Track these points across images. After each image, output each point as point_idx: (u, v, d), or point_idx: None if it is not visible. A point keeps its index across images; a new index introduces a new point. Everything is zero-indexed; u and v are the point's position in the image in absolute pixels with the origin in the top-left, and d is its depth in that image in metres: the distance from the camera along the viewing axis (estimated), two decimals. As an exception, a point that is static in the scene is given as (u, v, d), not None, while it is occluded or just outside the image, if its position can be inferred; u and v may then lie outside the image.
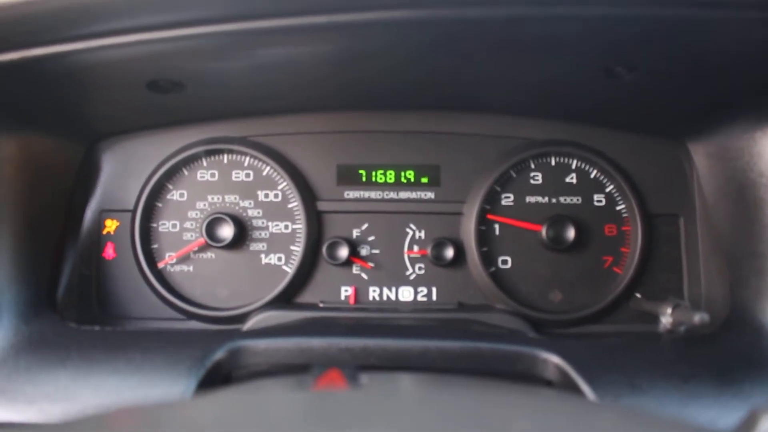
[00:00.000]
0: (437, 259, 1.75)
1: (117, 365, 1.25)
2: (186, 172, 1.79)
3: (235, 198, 1.79)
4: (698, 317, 1.39)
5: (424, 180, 1.80)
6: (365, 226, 1.80)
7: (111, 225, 1.78)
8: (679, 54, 1.32)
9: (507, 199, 1.78)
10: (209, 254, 1.78)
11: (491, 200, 1.77)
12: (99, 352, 1.29)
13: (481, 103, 1.77)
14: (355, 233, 1.79)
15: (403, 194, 1.80)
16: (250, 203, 1.79)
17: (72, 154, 1.71)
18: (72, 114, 1.60)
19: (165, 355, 1.27)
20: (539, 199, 1.78)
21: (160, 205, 1.78)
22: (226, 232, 1.74)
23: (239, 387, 0.91)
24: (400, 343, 1.31)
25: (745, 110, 1.50)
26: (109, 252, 1.77)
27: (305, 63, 1.44)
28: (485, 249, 1.76)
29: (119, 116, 1.71)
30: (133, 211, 1.76)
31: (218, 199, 1.78)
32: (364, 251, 1.79)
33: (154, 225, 1.78)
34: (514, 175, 1.79)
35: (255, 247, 1.78)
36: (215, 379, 1.23)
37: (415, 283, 1.78)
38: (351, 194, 1.80)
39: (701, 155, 1.72)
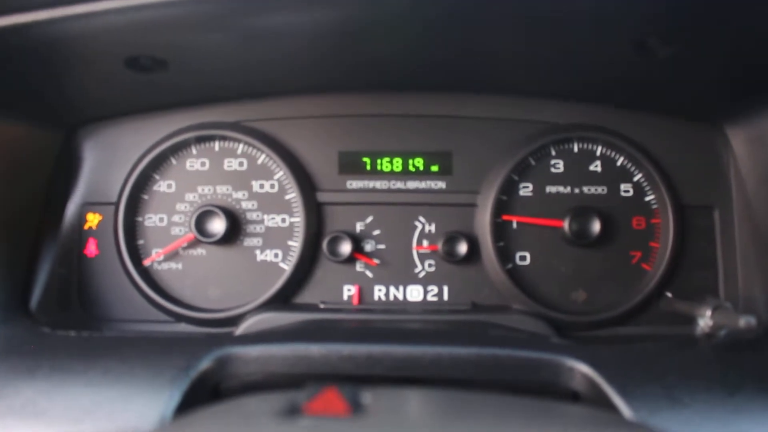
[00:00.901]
0: (449, 255, 1.69)
1: (92, 376, 1.16)
2: (174, 161, 1.74)
3: (228, 189, 1.74)
4: (744, 321, 1.33)
5: (435, 168, 1.74)
6: (370, 219, 1.74)
7: (93, 219, 1.72)
8: (719, 27, 1.23)
9: (525, 189, 1.73)
10: (199, 250, 1.73)
11: (508, 190, 1.72)
12: (73, 361, 1.20)
13: (496, 84, 1.72)
14: (359, 227, 1.74)
15: (412, 184, 1.75)
16: (243, 194, 1.73)
17: (49, 142, 1.67)
18: (46, 97, 1.55)
19: (145, 365, 1.18)
20: (561, 189, 1.72)
21: (146, 197, 1.73)
22: (218, 226, 1.68)
23: (220, 410, 0.81)
24: (409, 350, 1.22)
25: None
26: (91, 249, 1.72)
27: (303, 37, 1.37)
28: (501, 244, 1.71)
29: (99, 99, 1.66)
30: (117, 204, 1.71)
31: (209, 190, 1.74)
32: (368, 247, 1.74)
33: (140, 219, 1.73)
34: (533, 162, 1.73)
35: (249, 242, 1.73)
36: (201, 391, 1.14)
37: (424, 282, 1.73)
38: (354, 184, 1.75)
39: (740, 141, 1.65)
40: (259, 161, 1.73)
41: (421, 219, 1.73)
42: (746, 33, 1.25)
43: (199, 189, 1.73)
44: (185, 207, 1.72)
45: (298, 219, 1.71)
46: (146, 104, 1.71)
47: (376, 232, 1.73)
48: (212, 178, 1.73)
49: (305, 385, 0.90)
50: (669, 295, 1.69)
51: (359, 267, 1.73)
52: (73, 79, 1.50)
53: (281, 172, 1.71)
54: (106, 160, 1.73)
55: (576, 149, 1.73)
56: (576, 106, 1.74)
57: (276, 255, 1.72)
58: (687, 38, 1.29)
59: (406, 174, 1.74)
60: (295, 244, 1.70)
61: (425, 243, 1.72)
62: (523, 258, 1.71)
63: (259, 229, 1.72)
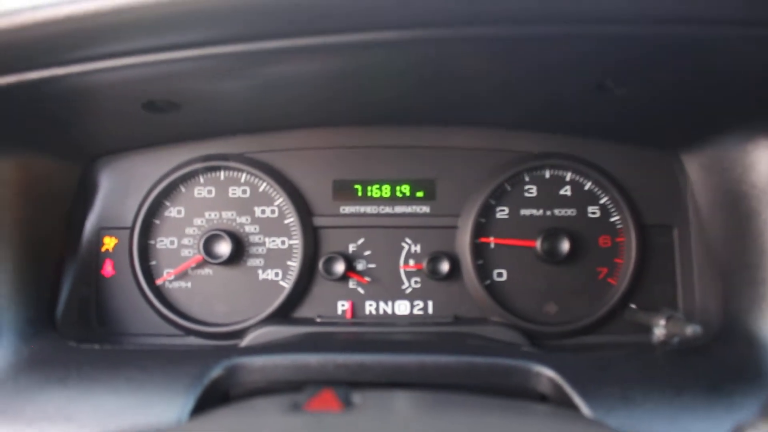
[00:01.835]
0: (433, 273, 1.77)
1: (116, 384, 1.27)
2: (183, 189, 1.81)
3: (232, 214, 1.81)
4: (690, 329, 1.42)
5: (420, 194, 1.82)
6: (361, 240, 1.82)
7: (109, 242, 1.80)
8: (668, 70, 1.33)
9: (502, 212, 1.80)
10: (207, 270, 1.80)
11: (486, 213, 1.79)
12: (98, 372, 1.30)
13: (476, 118, 1.79)
14: (351, 248, 1.81)
15: (399, 208, 1.82)
16: (247, 219, 1.81)
17: (70, 173, 1.74)
18: (70, 134, 1.62)
19: (163, 374, 1.28)
20: (534, 211, 1.80)
21: (157, 222, 1.80)
22: (224, 248, 1.76)
23: (232, 409, 0.93)
24: (396, 359, 1.32)
25: (736, 123, 1.52)
26: (108, 269, 1.79)
27: (301, 82, 1.46)
28: (480, 262, 1.79)
29: (116, 135, 1.73)
30: (132, 229, 1.78)
31: (215, 215, 1.80)
32: (360, 266, 1.81)
33: (152, 242, 1.80)
34: (508, 188, 1.80)
35: (252, 262, 1.80)
36: (213, 396, 1.24)
37: (411, 297, 1.80)
38: (347, 209, 1.82)
39: (695, 167, 1.73)
40: (261, 189, 1.80)
41: (408, 240, 1.81)
42: (686, 78, 1.36)
43: (206, 214, 1.80)
44: (194, 231, 1.79)
45: (296, 241, 1.78)
46: (158, 138, 1.78)
47: (367, 253, 1.81)
48: (218, 204, 1.80)
49: (304, 388, 1.02)
50: (633, 306, 1.76)
51: (352, 284, 1.80)
52: (96, 120, 1.58)
53: (281, 199, 1.78)
54: (122, 189, 1.80)
55: (548, 175, 1.81)
56: (547, 137, 1.81)
57: (276, 274, 1.79)
58: (637, 81, 1.38)
59: (393, 199, 1.81)
60: (294, 264, 1.77)
61: (411, 262, 1.80)
62: (500, 275, 1.79)
63: (261, 250, 1.79)
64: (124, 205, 1.80)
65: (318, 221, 1.81)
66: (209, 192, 1.81)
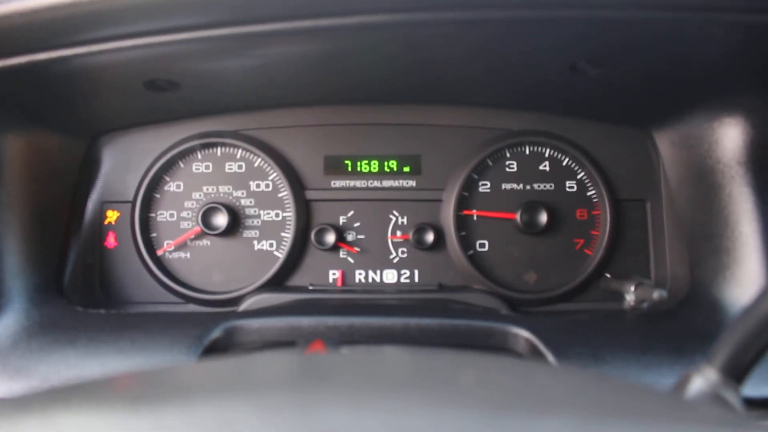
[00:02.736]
0: (419, 243, 1.82)
1: (122, 345, 1.34)
2: (182, 165, 1.86)
3: (229, 188, 1.86)
4: (657, 294, 1.50)
5: (406, 169, 1.88)
6: (351, 213, 1.87)
7: (112, 215, 1.84)
8: (638, 52, 1.38)
9: (484, 187, 1.86)
10: (205, 241, 1.85)
11: (469, 187, 1.85)
12: (105, 334, 1.37)
13: (459, 97, 1.84)
14: (342, 220, 1.87)
15: (387, 183, 1.88)
16: (242, 193, 1.86)
17: (75, 149, 1.77)
18: (75, 112, 1.66)
19: (166, 335, 1.35)
20: (514, 186, 1.86)
21: (158, 196, 1.85)
22: (221, 220, 1.81)
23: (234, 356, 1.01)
24: (383, 321, 1.40)
25: (703, 102, 1.58)
26: (111, 241, 1.84)
27: (294, 62, 1.51)
28: (464, 233, 1.84)
29: (119, 113, 1.76)
30: (133, 202, 1.83)
31: (213, 189, 1.85)
32: (350, 237, 1.87)
33: (153, 215, 1.85)
34: (490, 163, 1.86)
35: (248, 234, 1.85)
36: (213, 356, 1.31)
37: (398, 266, 1.86)
38: (337, 183, 1.88)
39: (665, 143, 1.79)
40: (256, 164, 1.85)
41: (395, 212, 1.86)
42: (656, 60, 1.41)
43: (204, 188, 1.85)
44: (192, 204, 1.84)
45: (289, 214, 1.83)
46: (159, 116, 1.81)
47: (357, 224, 1.86)
48: (215, 179, 1.85)
49: (297, 342, 1.09)
50: (607, 275, 1.82)
51: (342, 254, 1.86)
52: (100, 98, 1.62)
53: (275, 174, 1.84)
54: (123, 164, 1.83)
55: (527, 152, 1.86)
56: (527, 115, 1.85)
57: (271, 244, 1.84)
58: (609, 63, 1.44)
59: (381, 174, 1.87)
60: (287, 235, 1.83)
61: (398, 233, 1.86)
62: (482, 245, 1.84)
63: (256, 222, 1.85)
64: (125, 180, 1.84)
65: (310, 195, 1.86)
66: (207, 167, 1.86)
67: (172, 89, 1.58)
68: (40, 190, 1.62)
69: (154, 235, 1.85)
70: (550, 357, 1.30)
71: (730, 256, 1.54)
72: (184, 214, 1.86)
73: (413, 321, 1.40)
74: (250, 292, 1.79)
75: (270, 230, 1.86)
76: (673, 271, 1.79)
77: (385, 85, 1.76)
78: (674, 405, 0.68)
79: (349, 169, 1.88)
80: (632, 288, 1.61)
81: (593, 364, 1.31)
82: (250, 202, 1.86)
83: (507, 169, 1.87)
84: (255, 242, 1.86)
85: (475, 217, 1.86)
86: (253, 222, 1.86)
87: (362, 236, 1.87)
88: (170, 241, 1.85)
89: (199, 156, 1.87)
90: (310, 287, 1.83)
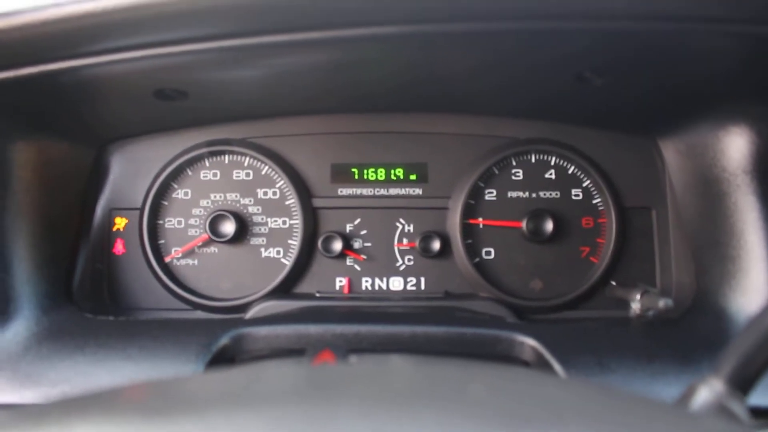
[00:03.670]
0: (425, 251, 1.83)
1: (130, 352, 1.35)
2: (190, 172, 1.87)
3: (236, 196, 1.87)
4: (663, 302, 1.49)
5: (413, 177, 1.89)
6: (358, 220, 1.88)
7: (120, 222, 1.86)
8: (643, 62, 1.39)
9: (490, 195, 1.86)
10: (212, 249, 1.86)
11: (475, 195, 1.85)
12: (114, 340, 1.38)
13: (465, 105, 1.85)
14: (349, 227, 1.88)
15: (393, 191, 1.89)
16: (250, 200, 1.87)
17: (84, 157, 1.79)
18: (84, 121, 1.67)
19: (174, 342, 1.36)
20: (520, 194, 1.86)
21: (166, 203, 1.86)
22: (228, 227, 1.81)
23: (243, 366, 1.01)
24: (390, 329, 1.40)
25: (708, 111, 1.58)
26: (119, 248, 1.85)
27: (301, 72, 1.53)
28: (470, 241, 1.85)
29: (127, 122, 1.78)
30: (141, 209, 1.84)
31: (220, 197, 1.86)
32: (356, 244, 1.88)
33: (161, 222, 1.86)
34: (496, 171, 1.86)
35: (255, 241, 1.86)
36: (221, 363, 1.32)
37: (404, 274, 1.87)
38: (344, 191, 1.88)
39: (671, 152, 1.79)
40: (263, 172, 1.86)
41: (401, 220, 1.87)
42: (660, 70, 1.42)
43: (212, 196, 1.86)
44: (200, 211, 1.85)
45: (296, 221, 1.84)
46: (167, 124, 1.83)
47: (363, 232, 1.87)
48: (223, 186, 1.86)
49: (306, 352, 1.10)
50: (613, 283, 1.81)
51: (349, 262, 1.87)
52: (109, 107, 1.63)
53: (282, 181, 1.84)
54: (132, 172, 1.85)
55: (533, 160, 1.87)
56: (533, 123, 1.86)
57: (278, 252, 1.85)
58: (614, 73, 1.45)
59: (388, 182, 1.88)
60: (294, 243, 1.83)
61: (405, 241, 1.86)
62: (488, 253, 1.85)
63: (263, 230, 1.86)
64: (134, 188, 1.85)
65: (317, 202, 1.87)
66: (214, 175, 1.87)
67: (180, 98, 1.59)
68: (50, 197, 1.63)
69: (162, 242, 1.86)
70: (556, 365, 1.30)
71: (736, 265, 1.54)
72: (191, 221, 1.87)
73: (420, 329, 1.40)
74: (257, 299, 1.80)
75: (277, 238, 1.86)
76: (679, 279, 1.80)
77: (392, 95, 1.77)
78: (680, 417, 0.69)
79: (356, 177, 1.89)
80: (638, 296, 1.60)
81: (599, 373, 1.31)
82: (258, 209, 1.87)
83: (513, 178, 1.88)
84: (262, 249, 1.86)
85: (481, 225, 1.86)
86: (260, 229, 1.87)
87: (369, 244, 1.88)
88: (178, 248, 1.86)
89: (207, 164, 1.88)
90: (317, 294, 1.83)
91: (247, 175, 1.88)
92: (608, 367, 1.33)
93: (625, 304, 1.67)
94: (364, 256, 1.88)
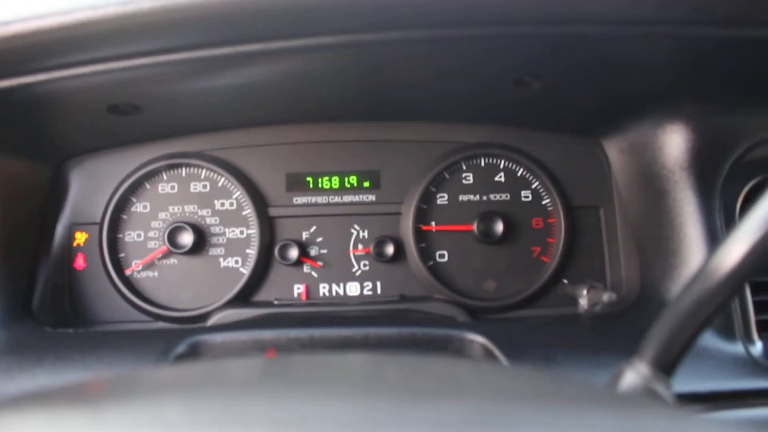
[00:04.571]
0: (379, 256, 1.86)
1: (89, 362, 1.36)
2: (148, 186, 1.89)
3: (194, 207, 1.89)
4: (606, 296, 1.56)
5: (366, 184, 1.92)
6: (313, 228, 1.91)
7: (80, 237, 1.87)
8: (578, 65, 1.44)
9: (442, 199, 1.90)
10: (172, 260, 1.88)
11: (427, 200, 1.89)
12: (72, 352, 1.39)
13: (416, 113, 1.89)
14: (305, 235, 1.90)
15: (347, 198, 1.92)
16: (207, 212, 1.89)
17: (42, 173, 1.79)
18: (40, 137, 1.68)
19: (133, 351, 1.38)
20: (471, 197, 1.90)
21: (125, 217, 1.88)
22: (187, 239, 1.84)
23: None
24: (344, 332, 1.43)
25: (647, 111, 1.64)
26: (80, 262, 1.86)
27: (255, 83, 1.55)
28: (423, 245, 1.88)
29: (84, 137, 1.79)
30: (101, 224, 1.85)
31: (178, 209, 1.89)
32: (313, 251, 1.90)
33: (121, 235, 1.87)
34: (447, 176, 1.91)
35: (213, 251, 1.88)
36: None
37: (361, 279, 1.90)
38: (299, 200, 1.91)
39: (614, 151, 1.85)
40: (220, 184, 1.89)
41: (356, 227, 1.90)
42: (596, 72, 1.47)
43: (170, 208, 1.88)
44: (159, 224, 1.87)
45: (253, 231, 1.86)
46: (124, 139, 1.84)
47: (319, 239, 1.90)
48: (181, 198, 1.88)
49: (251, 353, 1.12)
50: (565, 281, 1.86)
51: (306, 269, 1.89)
52: (65, 123, 1.65)
53: (238, 192, 1.87)
54: (91, 187, 1.86)
55: (483, 164, 1.91)
56: (483, 128, 1.91)
57: (236, 261, 1.87)
58: (553, 76, 1.49)
59: (342, 189, 1.91)
60: (252, 252, 1.85)
61: (360, 246, 1.89)
62: (441, 256, 1.88)
63: (221, 240, 1.88)
64: (93, 202, 1.87)
65: (273, 211, 1.89)
66: (172, 188, 1.89)
67: (134, 113, 1.61)
68: (8, 214, 1.64)
69: (122, 255, 1.88)
70: (503, 360, 1.33)
71: (677, 257, 1.60)
72: (150, 233, 1.88)
73: (372, 331, 1.44)
74: (217, 308, 1.82)
75: (235, 247, 1.88)
76: (628, 274, 1.84)
77: (343, 103, 1.81)
78: (603, 396, 0.71)
79: (311, 185, 1.92)
80: (585, 292, 1.66)
81: (545, 365, 1.35)
82: (215, 220, 1.89)
83: (463, 181, 1.92)
84: (221, 259, 1.88)
85: (434, 230, 1.90)
86: (218, 240, 1.89)
87: (325, 251, 1.91)
88: (138, 261, 1.87)
89: (165, 177, 1.90)
90: (276, 302, 1.85)
91: (204, 186, 1.90)
92: (554, 360, 1.36)
93: (575, 301, 1.73)
94: (321, 263, 1.90)
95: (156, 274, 1.88)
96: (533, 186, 1.92)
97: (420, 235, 1.88)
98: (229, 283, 1.85)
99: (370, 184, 1.93)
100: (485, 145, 1.92)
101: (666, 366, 0.88)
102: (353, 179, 1.93)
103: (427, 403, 0.59)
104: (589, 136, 1.90)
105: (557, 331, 1.54)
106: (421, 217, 1.89)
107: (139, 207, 1.89)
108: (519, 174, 1.92)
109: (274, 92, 1.64)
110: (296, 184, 1.92)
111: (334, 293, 1.90)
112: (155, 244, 1.88)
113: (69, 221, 1.87)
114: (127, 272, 1.87)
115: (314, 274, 1.90)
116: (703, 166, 1.60)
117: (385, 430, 0.54)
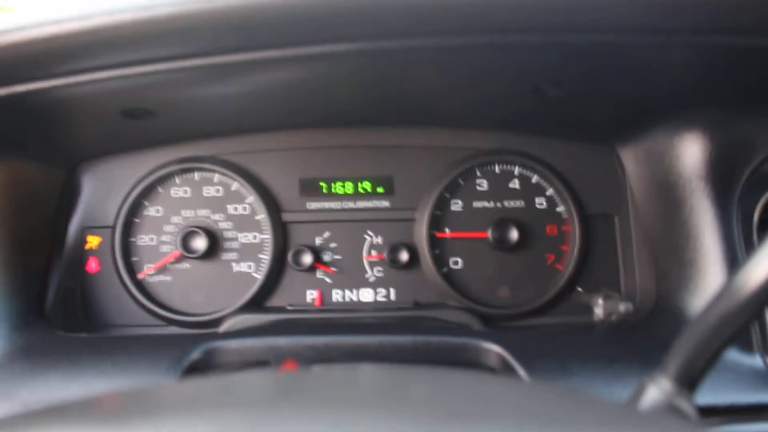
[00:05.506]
0: (393, 262, 1.86)
1: (103, 368, 1.36)
2: (161, 190, 1.88)
3: (207, 212, 1.88)
4: (623, 306, 1.55)
5: (380, 190, 1.91)
6: (327, 234, 1.90)
7: (93, 241, 1.86)
8: (596, 72, 1.43)
9: (456, 205, 1.89)
10: (185, 264, 1.87)
11: (441, 206, 1.88)
12: (86, 357, 1.39)
13: (431, 119, 1.88)
14: (318, 241, 1.90)
15: (361, 203, 1.91)
16: (220, 216, 1.88)
17: (55, 177, 1.79)
18: (54, 141, 1.68)
19: (147, 357, 1.37)
20: (485, 204, 1.89)
21: (138, 220, 1.87)
22: (200, 243, 1.83)
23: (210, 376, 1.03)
24: (358, 340, 1.42)
25: (663, 118, 1.62)
26: (92, 266, 1.86)
27: (269, 89, 1.54)
28: (437, 251, 1.87)
29: (97, 141, 1.79)
30: (114, 227, 1.85)
31: (191, 213, 1.88)
32: (326, 257, 1.89)
33: (133, 239, 1.87)
34: (461, 182, 1.89)
35: (227, 256, 1.88)
36: (193, 376, 1.33)
37: (374, 285, 1.89)
38: (313, 205, 1.91)
39: (630, 159, 1.83)
40: (233, 188, 1.88)
41: (370, 233, 1.89)
42: (615, 80, 1.46)
43: (183, 213, 1.87)
44: (172, 228, 1.86)
45: (267, 236, 1.85)
46: (137, 143, 1.84)
47: (333, 245, 1.89)
48: (194, 203, 1.87)
49: (271, 362, 1.11)
50: (579, 289, 1.85)
51: (319, 274, 1.88)
52: (78, 127, 1.65)
53: (252, 197, 1.86)
54: (103, 191, 1.85)
55: (497, 170, 1.90)
56: (498, 134, 1.89)
57: (249, 266, 1.86)
58: (571, 84, 1.48)
59: (356, 195, 1.90)
60: (265, 257, 1.85)
61: (373, 252, 1.88)
62: (455, 263, 1.87)
63: (234, 245, 1.87)
64: (106, 206, 1.86)
65: (286, 217, 1.89)
66: (185, 192, 1.89)
67: (148, 117, 1.61)
68: (21, 217, 1.64)
69: (135, 259, 1.87)
70: (520, 370, 1.32)
71: (693, 268, 1.58)
72: (163, 238, 1.88)
73: (387, 339, 1.43)
74: (229, 313, 1.81)
75: (248, 252, 1.88)
76: (642, 283, 1.83)
77: (358, 109, 1.80)
78: (627, 415, 0.71)
79: (324, 191, 1.91)
80: (600, 301, 1.65)
81: (562, 376, 1.34)
82: (229, 225, 1.89)
83: (478, 188, 1.91)
84: (234, 264, 1.88)
85: (448, 237, 1.89)
86: (231, 245, 1.88)
87: (338, 256, 1.90)
88: (151, 265, 1.86)
89: (178, 181, 1.89)
90: (289, 308, 1.84)
91: (217, 191, 1.90)
92: (570, 370, 1.35)
93: (590, 310, 1.72)
94: (335, 269, 1.89)
95: (169, 278, 1.87)
96: (548, 193, 1.90)
97: (434, 242, 1.87)
98: (242, 289, 1.85)
99: (384, 190, 1.92)
100: (500, 151, 1.91)
101: (689, 382, 0.87)
102: (367, 185, 1.92)
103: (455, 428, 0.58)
104: (604, 144, 1.88)
105: (573, 341, 1.52)
106: (436, 223, 1.88)
107: (152, 211, 1.89)
108: (533, 181, 1.91)
109: (288, 97, 1.64)
110: (310, 189, 1.91)
111: (347, 299, 1.89)
112: (168, 248, 1.87)
113: (81, 224, 1.87)
114: (140, 276, 1.86)
115: (328, 279, 1.89)
116: (721, 176, 1.58)
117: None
